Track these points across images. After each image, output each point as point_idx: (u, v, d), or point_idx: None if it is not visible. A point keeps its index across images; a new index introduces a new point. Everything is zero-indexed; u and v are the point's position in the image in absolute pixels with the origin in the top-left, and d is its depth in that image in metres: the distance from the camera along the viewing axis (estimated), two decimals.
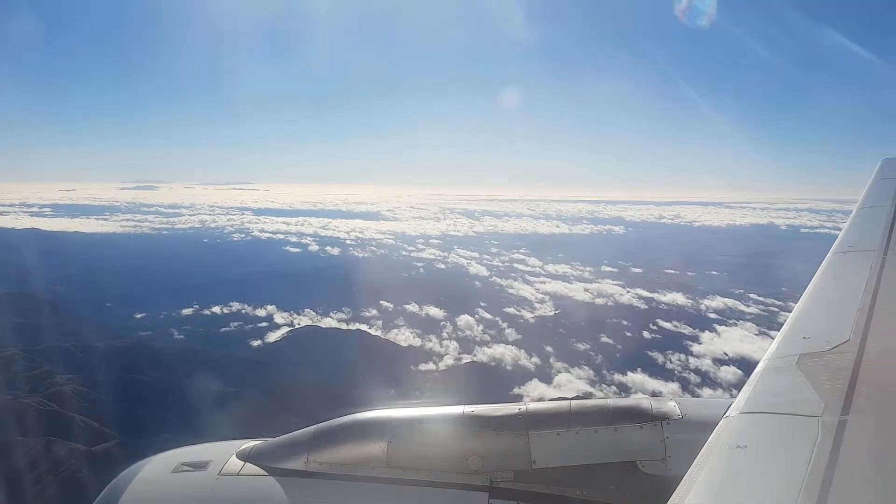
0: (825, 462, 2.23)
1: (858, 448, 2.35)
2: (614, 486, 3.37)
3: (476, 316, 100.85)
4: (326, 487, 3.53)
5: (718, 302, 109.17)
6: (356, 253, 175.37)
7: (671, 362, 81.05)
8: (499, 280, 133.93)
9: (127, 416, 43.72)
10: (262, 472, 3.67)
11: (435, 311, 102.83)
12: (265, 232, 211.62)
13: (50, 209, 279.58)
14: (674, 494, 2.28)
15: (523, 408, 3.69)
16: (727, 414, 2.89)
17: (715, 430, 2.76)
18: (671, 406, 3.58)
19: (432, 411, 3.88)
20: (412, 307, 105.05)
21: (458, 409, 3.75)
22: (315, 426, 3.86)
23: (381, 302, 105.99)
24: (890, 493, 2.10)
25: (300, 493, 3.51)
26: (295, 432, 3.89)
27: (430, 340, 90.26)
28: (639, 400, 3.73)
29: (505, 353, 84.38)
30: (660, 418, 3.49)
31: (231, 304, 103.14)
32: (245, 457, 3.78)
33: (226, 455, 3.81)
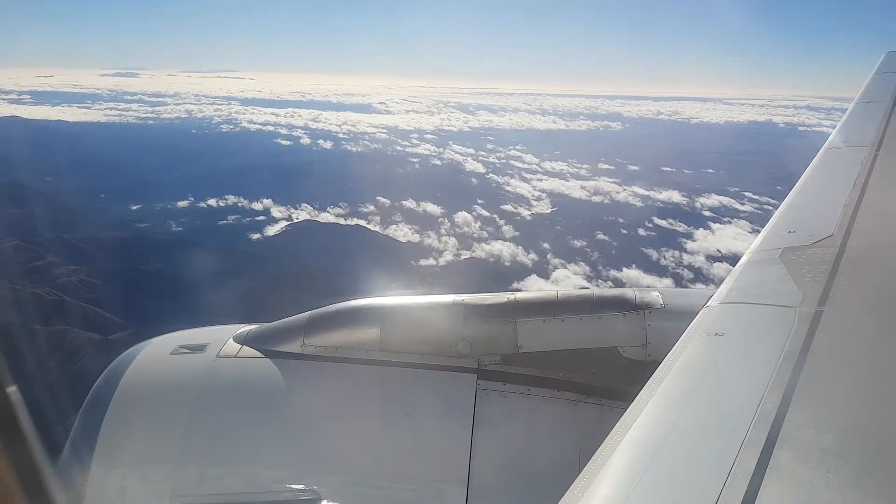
0: (798, 350, 2.29)
1: (830, 337, 2.43)
2: (596, 370, 3.53)
3: (473, 213, 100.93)
4: (322, 369, 3.63)
5: (714, 200, 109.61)
6: (349, 147, 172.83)
7: (665, 259, 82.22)
8: (495, 177, 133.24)
9: (137, 306, 44.06)
10: (258, 354, 3.72)
11: (432, 208, 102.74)
12: (254, 123, 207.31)
13: (29, 96, 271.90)
14: (651, 377, 2.36)
15: (512, 297, 3.82)
16: (708, 304, 2.98)
17: (695, 319, 2.84)
18: (654, 296, 3.71)
19: (424, 299, 3.99)
20: (409, 203, 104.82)
21: (449, 298, 3.88)
22: (310, 312, 3.92)
23: (377, 198, 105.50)
24: (857, 378, 2.21)
25: (296, 374, 3.60)
26: (290, 318, 3.94)
27: (429, 236, 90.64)
28: (624, 291, 3.86)
29: (503, 249, 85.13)
30: (642, 307, 3.63)
31: (226, 197, 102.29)
32: (242, 340, 3.83)
33: (223, 338, 3.85)
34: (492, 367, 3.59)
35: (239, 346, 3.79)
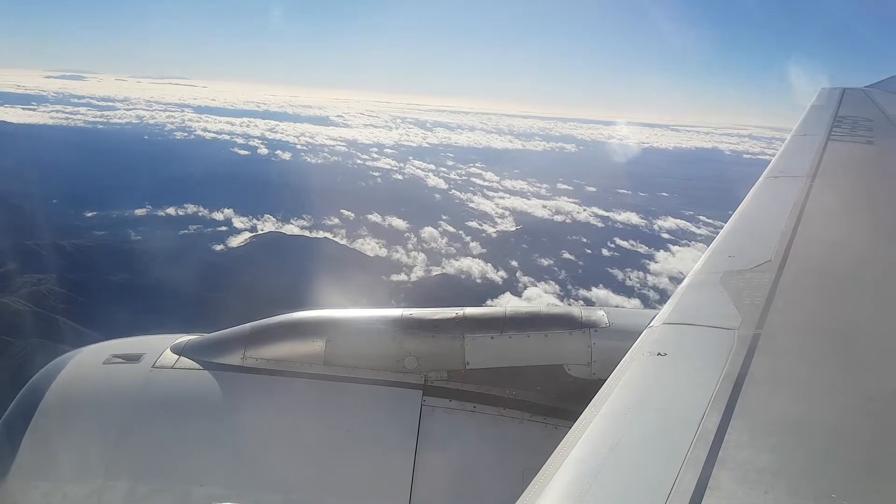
0: (737, 371, 2.38)
1: (768, 359, 2.52)
2: (542, 387, 3.56)
3: (439, 229, 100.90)
4: (262, 382, 3.53)
5: (671, 223, 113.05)
6: (309, 159, 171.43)
7: (630, 279, 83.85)
8: (458, 193, 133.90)
9: (108, 318, 42.02)
10: (196, 365, 3.61)
11: (398, 223, 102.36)
12: (209, 132, 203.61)
13: None
14: (596, 396, 2.40)
15: (460, 312, 3.78)
16: (651, 324, 3.03)
17: (638, 339, 2.89)
18: (600, 315, 3.75)
19: (371, 312, 3.92)
20: (374, 217, 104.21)
21: (396, 312, 3.82)
22: (252, 323, 3.82)
23: (341, 211, 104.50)
24: (793, 400, 2.29)
25: (236, 387, 3.51)
26: (231, 328, 3.83)
27: (397, 251, 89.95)
28: (570, 308, 3.89)
29: (472, 265, 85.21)
30: (588, 326, 3.65)
31: (186, 205, 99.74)
32: (180, 350, 3.70)
33: (160, 348, 3.72)
34: (438, 384, 3.57)
35: (176, 356, 3.66)
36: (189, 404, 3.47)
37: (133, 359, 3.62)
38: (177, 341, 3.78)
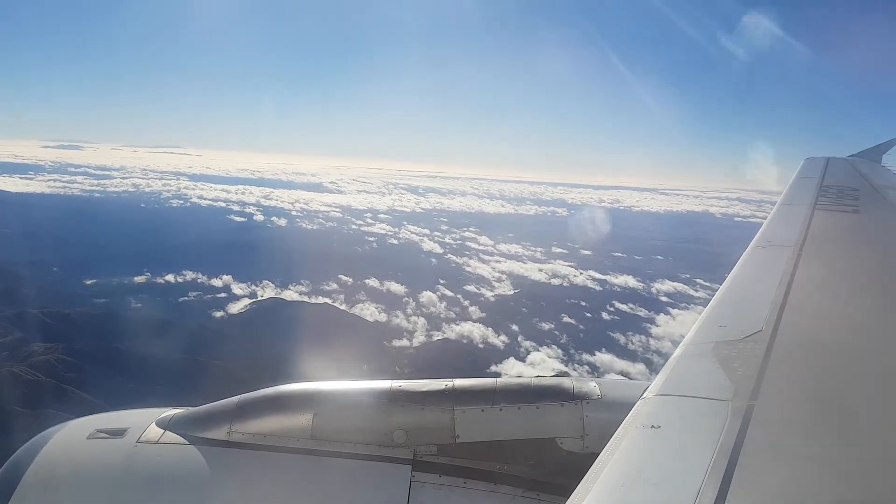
0: (732, 443, 2.38)
1: (763, 430, 2.53)
2: (534, 462, 3.51)
3: (438, 293, 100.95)
4: (249, 458, 3.49)
5: (668, 286, 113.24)
6: (304, 225, 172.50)
7: (633, 343, 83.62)
8: (454, 258, 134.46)
9: (117, 388, 41.49)
10: (182, 440, 3.56)
11: (396, 287, 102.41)
12: (204, 199, 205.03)
13: None
14: (589, 470, 2.39)
15: (449, 384, 3.76)
16: (643, 396, 3.01)
17: (631, 411, 2.88)
18: (592, 386, 3.71)
19: (359, 385, 3.89)
20: (372, 282, 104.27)
21: (384, 384, 3.80)
22: (238, 396, 3.80)
23: (339, 276, 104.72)
24: (788, 470, 2.28)
25: (222, 462, 3.46)
26: (217, 402, 3.81)
27: (397, 316, 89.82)
28: (561, 380, 3.85)
29: (473, 330, 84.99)
30: (580, 398, 3.62)
31: (184, 272, 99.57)
32: (165, 425, 3.65)
33: (145, 423, 3.68)
34: (427, 458, 3.52)
35: (161, 430, 3.60)
36: (173, 481, 3.40)
37: (117, 433, 3.57)
38: (162, 415, 3.74)
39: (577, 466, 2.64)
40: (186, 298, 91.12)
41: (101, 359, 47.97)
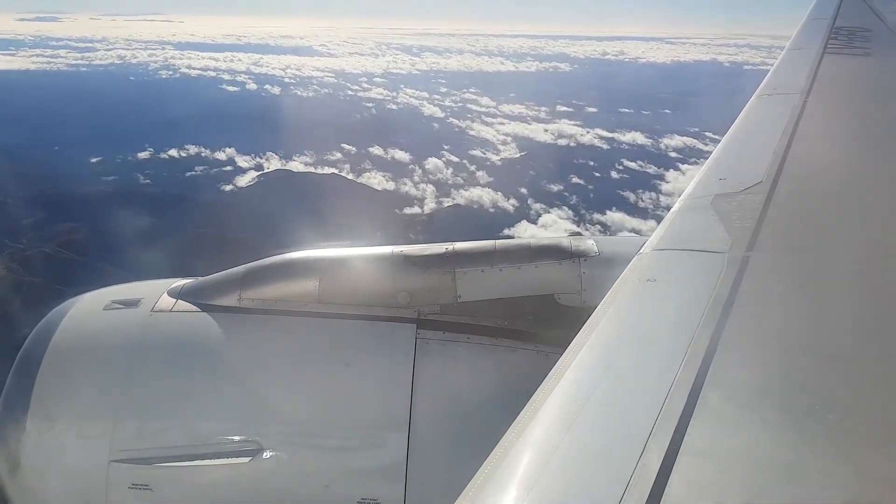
0: (726, 294, 2.39)
1: (757, 281, 2.54)
2: (533, 317, 3.63)
3: (443, 159, 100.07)
4: (259, 322, 3.60)
5: (677, 141, 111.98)
6: (299, 92, 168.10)
7: (643, 201, 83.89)
8: (456, 121, 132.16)
9: (148, 264, 42.01)
10: (194, 308, 3.65)
11: (401, 155, 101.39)
12: (193, 69, 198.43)
13: None
14: (586, 323, 2.44)
15: (450, 247, 3.83)
16: (640, 251, 3.06)
17: (628, 266, 2.92)
18: (589, 244, 3.79)
19: (363, 251, 3.96)
20: (376, 150, 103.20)
21: (387, 249, 3.87)
22: (246, 265, 3.85)
23: (342, 145, 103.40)
24: (782, 321, 2.32)
25: (233, 327, 3.57)
26: (226, 271, 3.86)
27: (405, 184, 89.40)
28: (560, 239, 3.92)
29: (482, 195, 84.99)
30: (578, 255, 3.70)
31: (187, 146, 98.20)
32: (177, 294, 3.73)
33: (157, 292, 3.75)
34: (431, 317, 3.62)
35: (174, 300, 3.69)
36: (189, 345, 3.55)
37: (132, 304, 3.66)
38: (173, 285, 3.81)
39: (575, 320, 2.66)
40: (193, 173, 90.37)
41: (123, 235, 48.24)
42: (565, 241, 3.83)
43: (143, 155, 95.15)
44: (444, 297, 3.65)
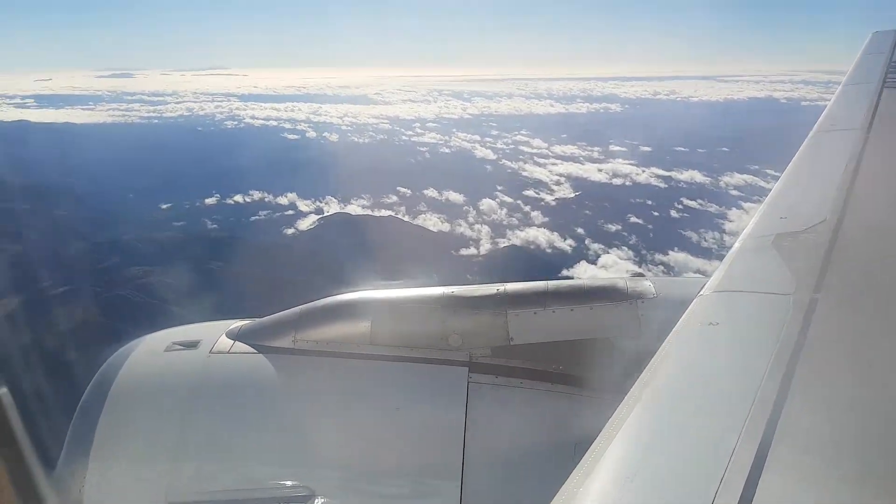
0: (794, 338, 2.27)
1: (827, 325, 2.40)
2: (589, 361, 3.50)
3: (497, 200, 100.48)
4: (313, 363, 3.64)
5: (738, 178, 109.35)
6: (356, 139, 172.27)
7: (706, 241, 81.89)
8: (508, 163, 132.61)
9: (215, 306, 43.72)
10: (250, 349, 3.74)
11: (455, 196, 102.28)
12: (257, 119, 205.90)
13: (33, 100, 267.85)
14: (646, 368, 2.34)
15: (501, 288, 3.81)
16: (701, 293, 2.96)
17: (688, 309, 2.83)
18: (647, 285, 3.71)
19: (414, 292, 3.96)
20: (431, 193, 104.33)
21: (438, 290, 3.87)
22: (301, 306, 3.94)
23: (397, 188, 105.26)
24: (853, 364, 2.18)
25: (288, 369, 3.61)
26: (281, 312, 3.96)
27: (460, 225, 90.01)
28: (615, 280, 3.85)
29: (538, 235, 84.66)
30: (635, 297, 3.62)
31: (251, 192, 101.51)
32: (234, 336, 3.85)
33: (215, 334, 3.87)
34: (483, 360, 3.59)
35: (231, 341, 3.80)
36: (245, 387, 3.61)
37: (191, 345, 3.78)
38: (231, 327, 3.94)
39: (633, 365, 2.65)
40: (257, 217, 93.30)
41: (194, 278, 50.26)
42: (621, 283, 3.77)
43: (210, 201, 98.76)
44: (496, 340, 3.62)
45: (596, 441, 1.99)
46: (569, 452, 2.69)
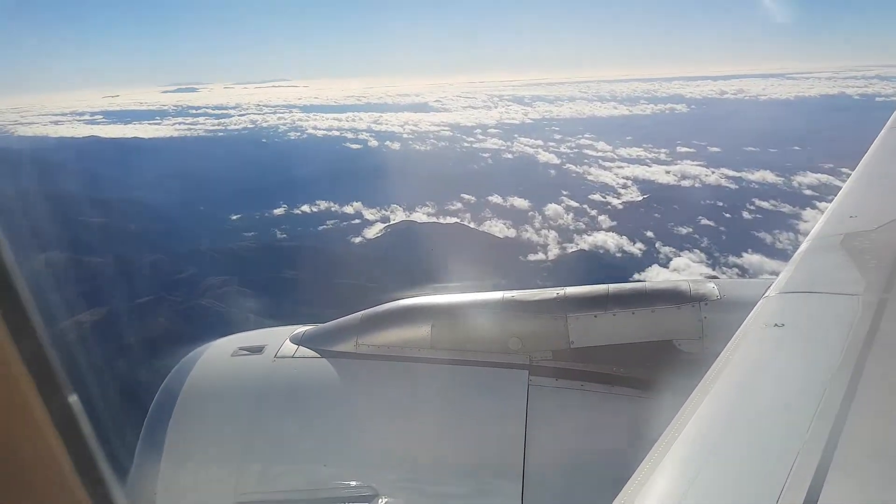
0: (862, 340, 2.21)
1: None
2: (651, 364, 3.47)
3: (563, 205, 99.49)
4: (376, 367, 3.68)
5: (811, 178, 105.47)
6: (418, 146, 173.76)
7: (780, 242, 79.12)
8: (573, 167, 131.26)
9: (299, 314, 44.58)
10: (314, 354, 3.78)
11: (520, 202, 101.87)
12: (319, 129, 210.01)
13: (101, 116, 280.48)
14: (709, 370, 2.33)
15: (561, 292, 3.77)
16: (766, 294, 2.90)
17: (753, 310, 2.76)
18: (710, 287, 3.65)
19: (473, 296, 3.99)
20: (495, 199, 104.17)
21: (497, 294, 3.88)
22: (362, 311, 3.97)
23: (461, 195, 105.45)
24: None
25: (351, 373, 3.67)
26: (343, 318, 4.00)
27: (526, 231, 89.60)
28: (677, 283, 3.76)
29: (607, 239, 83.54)
30: (698, 299, 3.56)
31: (317, 202, 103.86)
32: (298, 341, 3.90)
33: (280, 339, 3.93)
34: (543, 363, 3.58)
35: (295, 346, 3.86)
36: (310, 391, 3.67)
37: (257, 350, 3.86)
38: (294, 332, 4.01)
39: (696, 368, 2.56)
40: (325, 227, 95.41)
41: (270, 287, 51.52)
42: (683, 285, 3.74)
43: (278, 211, 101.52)
44: (556, 343, 3.63)
45: (657, 443, 1.97)
46: (630, 455, 2.57)
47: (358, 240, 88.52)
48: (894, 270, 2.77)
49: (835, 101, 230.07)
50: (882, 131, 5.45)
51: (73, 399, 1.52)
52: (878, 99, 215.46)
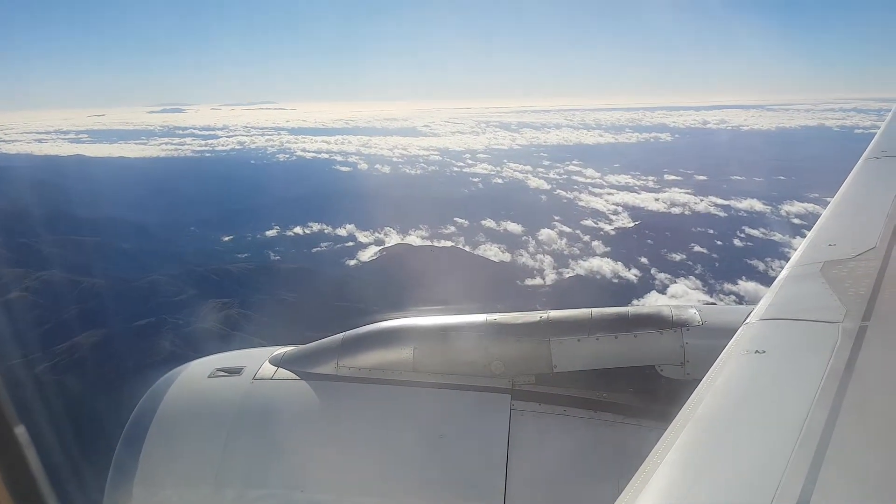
0: (843, 367, 2.24)
1: (876, 353, 2.35)
2: (633, 389, 3.50)
3: (556, 230, 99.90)
4: (356, 390, 3.63)
5: (798, 207, 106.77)
6: (407, 170, 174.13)
7: (773, 269, 79.67)
8: (563, 193, 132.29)
9: (299, 337, 43.89)
10: (293, 376, 3.73)
11: (513, 227, 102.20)
12: (308, 151, 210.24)
13: (86, 135, 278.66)
14: (691, 397, 2.34)
15: (544, 315, 3.76)
16: (747, 321, 2.92)
17: (734, 337, 2.79)
18: (691, 313, 3.66)
19: (456, 319, 3.93)
20: (489, 223, 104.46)
21: (481, 317, 3.83)
22: (343, 333, 3.91)
23: (454, 219, 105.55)
24: None
25: (330, 395, 3.61)
26: (324, 339, 3.94)
27: (521, 255, 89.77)
28: (659, 308, 3.79)
29: (602, 265, 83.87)
30: (680, 325, 3.57)
31: (309, 224, 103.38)
32: (277, 362, 3.84)
33: (259, 361, 3.87)
34: (526, 388, 3.57)
35: (275, 368, 3.80)
36: (288, 414, 3.60)
37: (235, 371, 3.80)
38: (274, 353, 3.94)
39: (678, 393, 2.61)
40: (319, 249, 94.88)
41: (270, 309, 50.88)
42: (665, 310, 3.75)
43: (270, 233, 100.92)
44: (539, 367, 3.60)
45: (640, 469, 1.96)
46: (612, 481, 2.65)
47: (353, 262, 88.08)
48: (873, 299, 2.78)
49: (815, 133, 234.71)
50: (859, 161, 5.52)
51: (20, 430, 1.48)
52: (856, 131, 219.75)
